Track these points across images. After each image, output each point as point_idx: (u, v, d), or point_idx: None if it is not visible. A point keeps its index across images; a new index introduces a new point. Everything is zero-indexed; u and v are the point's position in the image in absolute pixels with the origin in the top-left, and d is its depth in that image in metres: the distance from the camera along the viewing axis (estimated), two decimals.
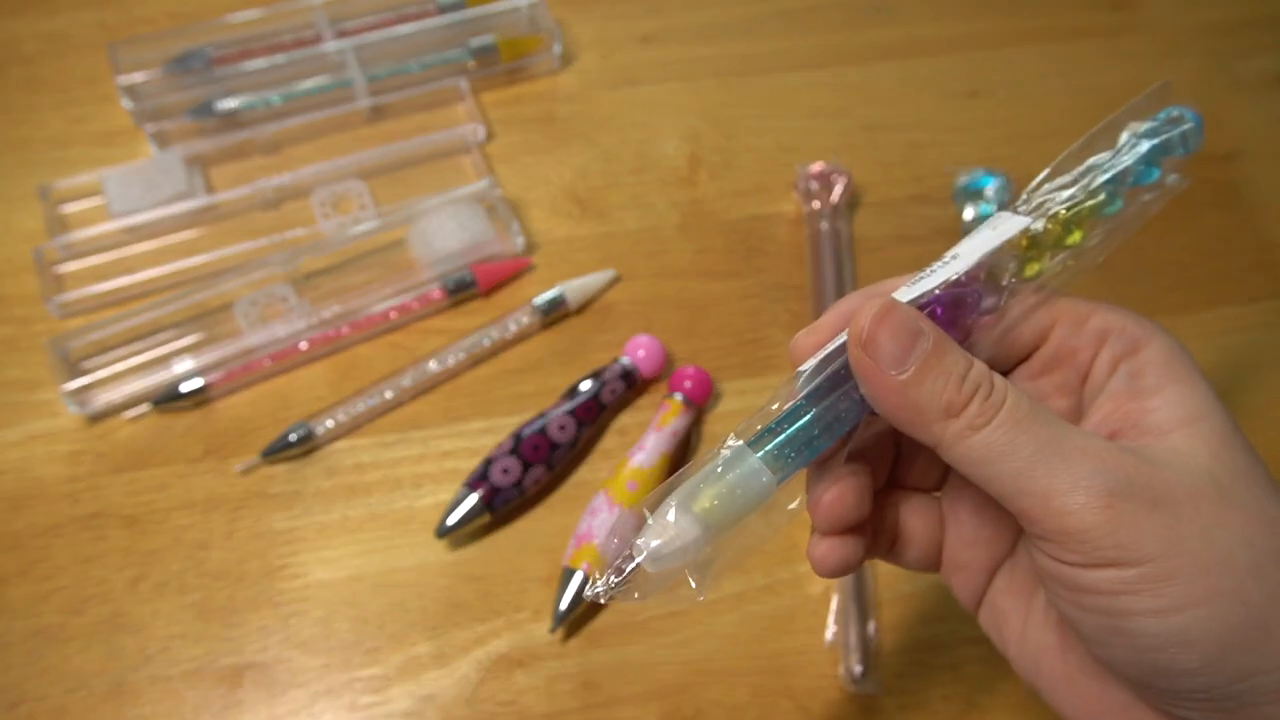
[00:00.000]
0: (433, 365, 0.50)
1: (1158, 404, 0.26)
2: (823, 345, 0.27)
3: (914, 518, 0.31)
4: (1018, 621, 0.30)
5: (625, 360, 0.49)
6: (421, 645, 0.44)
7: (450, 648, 0.44)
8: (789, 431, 0.26)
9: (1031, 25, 0.65)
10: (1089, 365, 0.28)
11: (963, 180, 0.56)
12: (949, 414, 0.25)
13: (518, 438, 0.46)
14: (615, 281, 0.54)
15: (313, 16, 0.58)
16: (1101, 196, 0.27)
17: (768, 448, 0.26)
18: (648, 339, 0.50)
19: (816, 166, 0.56)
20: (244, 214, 0.55)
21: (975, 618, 0.31)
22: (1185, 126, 0.28)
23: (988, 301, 0.27)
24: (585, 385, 0.48)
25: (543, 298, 0.51)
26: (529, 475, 0.46)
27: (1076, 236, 0.27)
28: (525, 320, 0.51)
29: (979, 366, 0.26)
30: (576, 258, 0.54)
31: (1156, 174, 0.28)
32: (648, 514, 0.25)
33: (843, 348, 0.26)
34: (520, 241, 0.53)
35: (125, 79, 0.56)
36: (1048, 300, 0.28)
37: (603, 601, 0.25)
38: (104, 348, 0.50)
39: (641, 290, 0.53)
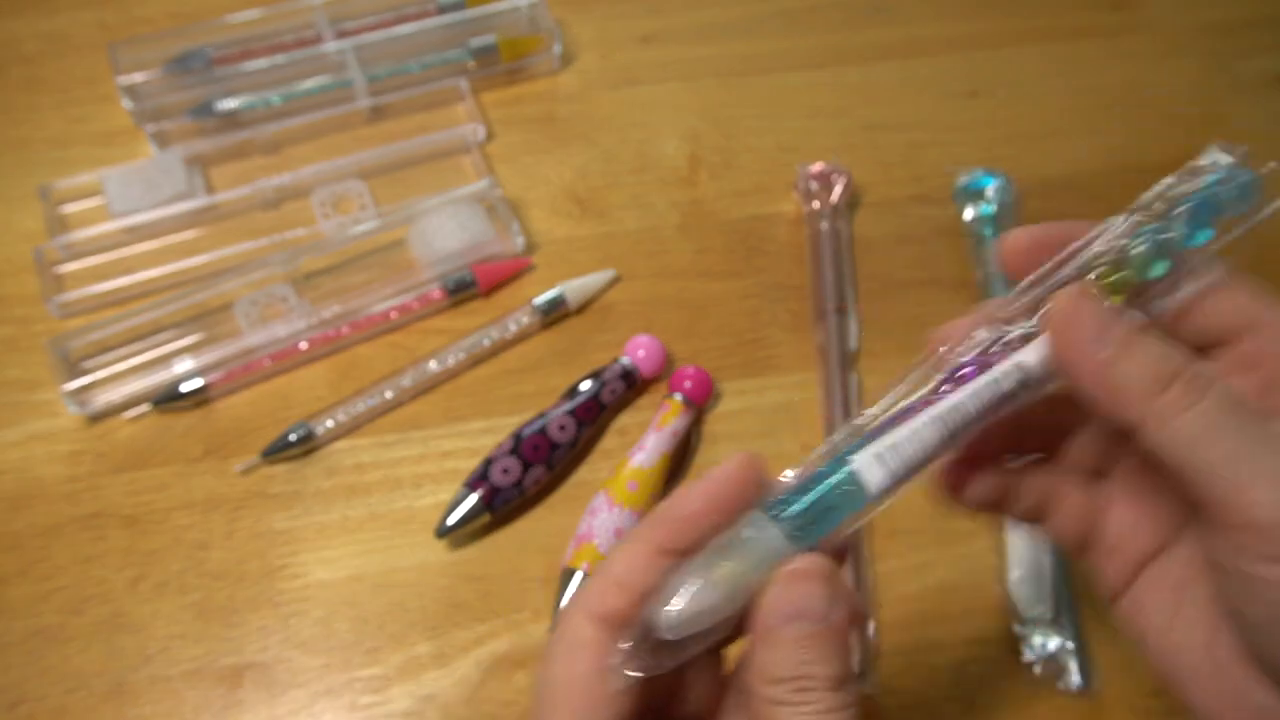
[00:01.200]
0: (433, 365, 0.50)
1: None
2: (1037, 255, 0.27)
3: (1074, 495, 0.30)
4: (1164, 615, 0.29)
5: (625, 360, 0.49)
6: (421, 645, 0.44)
7: (450, 648, 0.44)
8: (808, 501, 0.26)
9: (1031, 25, 0.65)
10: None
11: (963, 180, 0.56)
12: (1153, 393, 0.24)
13: (518, 438, 0.46)
14: (615, 281, 0.54)
15: (313, 16, 0.58)
16: (1130, 267, 0.26)
17: (788, 512, 0.25)
18: (648, 339, 0.50)
19: (816, 166, 0.56)
20: (244, 214, 0.55)
21: (1112, 605, 0.31)
22: (1238, 181, 0.27)
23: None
24: (585, 385, 0.48)
25: (543, 298, 0.51)
26: (529, 475, 0.46)
27: (1117, 300, 0.27)
28: (525, 320, 0.51)
29: (1182, 347, 0.25)
30: (576, 258, 0.54)
31: (1208, 235, 0.27)
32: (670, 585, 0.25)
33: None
34: (520, 241, 0.53)
35: (125, 79, 0.56)
36: (1233, 292, 0.27)
37: (628, 673, 0.25)
38: (104, 348, 0.50)
39: (641, 290, 0.53)
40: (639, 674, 0.24)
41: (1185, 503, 0.25)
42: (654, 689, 0.26)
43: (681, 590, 0.24)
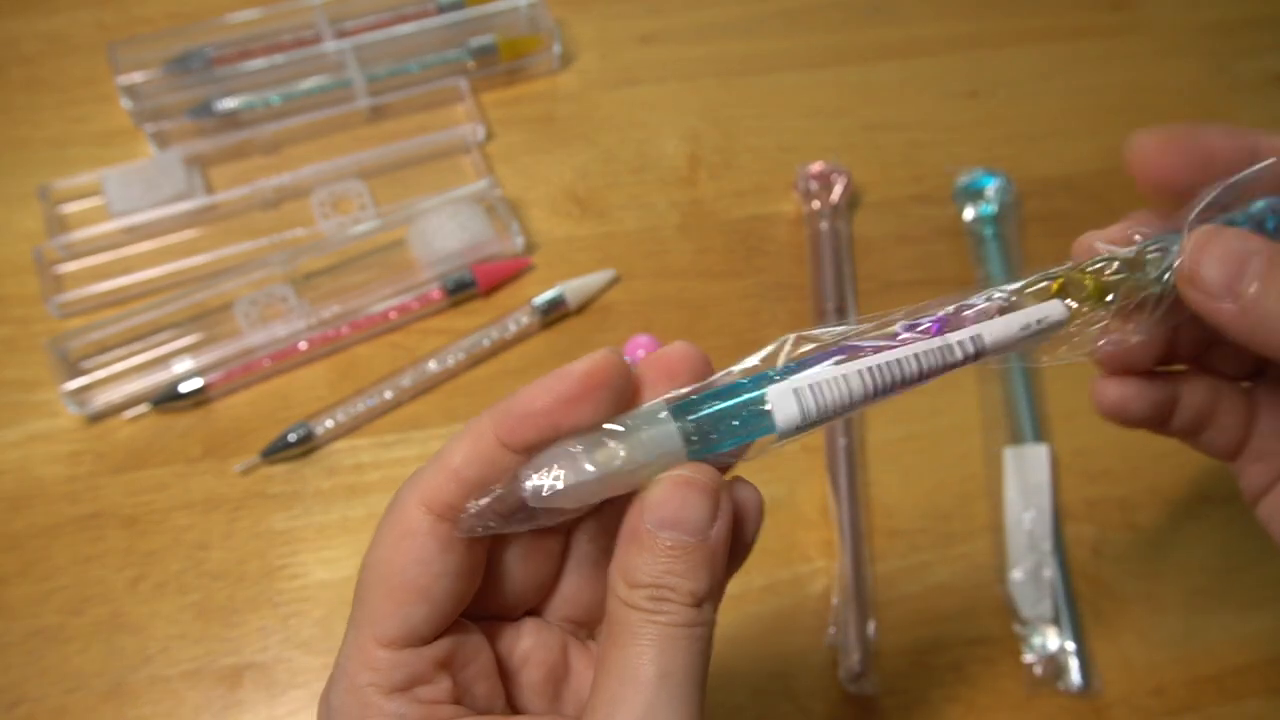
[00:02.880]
0: (432, 365, 0.50)
1: None
2: (1168, 157, 0.27)
3: (1224, 403, 0.30)
4: None
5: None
6: None
7: None
8: (720, 407, 0.24)
9: (1031, 25, 0.65)
10: None
11: (963, 180, 0.56)
12: None
13: None
14: (615, 281, 0.53)
15: (312, 16, 0.58)
16: (1144, 279, 0.26)
17: (692, 416, 0.24)
18: (648, 339, 0.50)
19: (816, 166, 0.56)
20: (244, 214, 0.54)
21: (1252, 508, 0.31)
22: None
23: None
24: None
25: (542, 298, 0.51)
26: None
27: (1107, 300, 0.26)
28: (525, 320, 0.51)
29: None
30: (576, 258, 0.54)
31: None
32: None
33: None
34: (520, 241, 0.53)
35: (125, 79, 0.56)
36: None
37: (473, 528, 0.24)
38: (103, 348, 0.50)
39: (641, 290, 0.53)
40: (484, 531, 0.24)
41: None
42: (475, 574, 0.25)
43: (559, 463, 0.23)
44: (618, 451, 0.23)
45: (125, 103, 0.55)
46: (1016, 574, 0.46)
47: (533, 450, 0.24)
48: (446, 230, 0.52)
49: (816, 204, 0.55)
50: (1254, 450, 0.31)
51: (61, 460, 0.47)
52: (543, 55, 0.60)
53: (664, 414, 0.24)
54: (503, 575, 0.26)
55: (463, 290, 0.52)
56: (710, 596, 0.23)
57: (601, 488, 0.23)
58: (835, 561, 0.46)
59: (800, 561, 0.46)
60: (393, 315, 0.51)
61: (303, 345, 0.50)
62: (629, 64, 0.61)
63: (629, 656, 0.22)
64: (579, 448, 0.23)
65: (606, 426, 0.23)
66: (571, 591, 0.28)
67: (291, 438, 0.47)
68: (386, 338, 0.51)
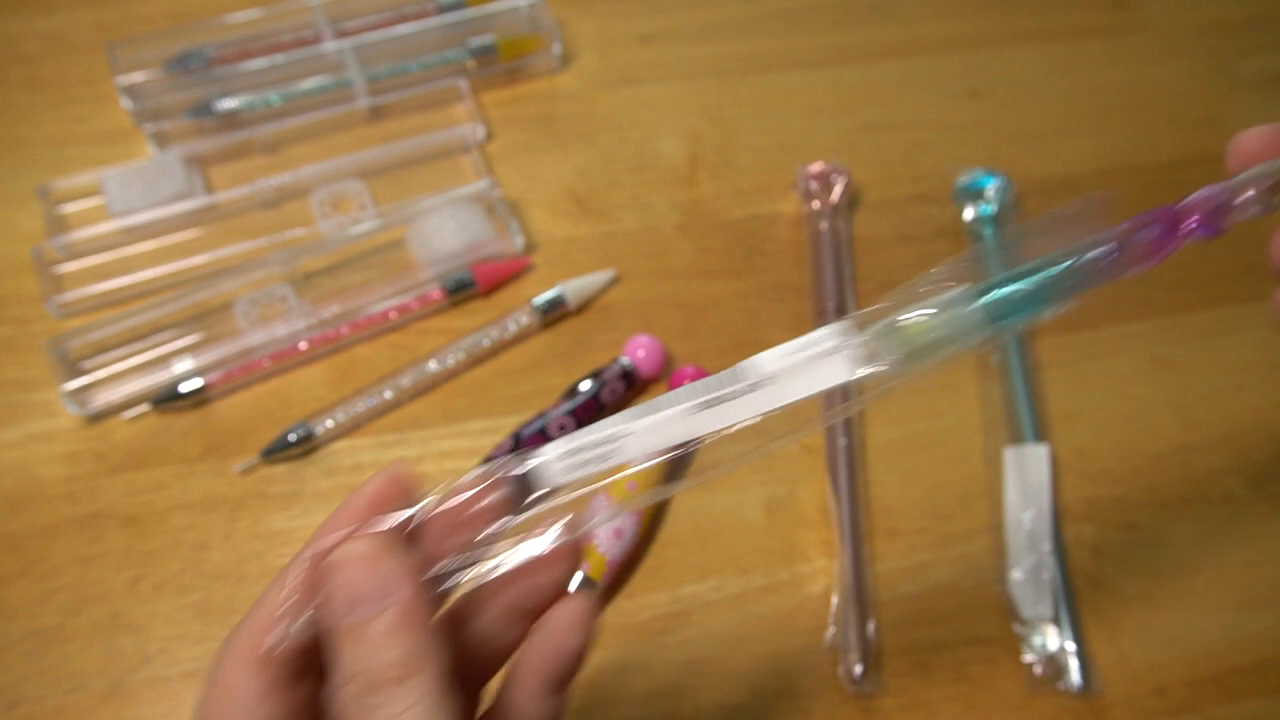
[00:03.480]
0: (433, 365, 0.50)
1: None
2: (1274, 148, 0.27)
3: None
4: None
5: (625, 360, 0.49)
6: None
7: None
8: (1014, 287, 0.25)
9: (1031, 25, 0.65)
10: None
11: (963, 180, 0.56)
12: None
13: (517, 438, 0.46)
14: (615, 281, 0.53)
15: (312, 16, 0.58)
16: None
17: (995, 295, 0.25)
18: (648, 339, 0.50)
19: (816, 166, 0.56)
20: (243, 214, 0.54)
21: None
22: None
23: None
24: (585, 385, 0.48)
25: (542, 298, 0.51)
26: None
27: None
28: (525, 320, 0.51)
29: None
30: (576, 258, 0.54)
31: None
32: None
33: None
34: (520, 241, 0.53)
35: (124, 79, 0.56)
36: None
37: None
38: (103, 348, 0.50)
39: (641, 290, 0.53)
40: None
41: None
42: (304, 714, 0.25)
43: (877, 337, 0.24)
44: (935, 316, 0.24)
45: (125, 103, 0.55)
46: (1016, 574, 0.46)
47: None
48: (446, 230, 0.52)
49: (816, 204, 0.55)
50: None
51: (61, 460, 0.47)
52: (543, 55, 0.60)
53: (971, 292, 0.25)
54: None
55: (463, 290, 0.52)
56: (424, 658, 0.23)
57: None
58: (835, 561, 0.46)
59: (800, 561, 0.46)
60: (393, 315, 0.51)
61: (303, 345, 0.50)
62: (629, 64, 0.61)
63: None
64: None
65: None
66: None
67: (291, 438, 0.47)
68: (386, 338, 0.51)
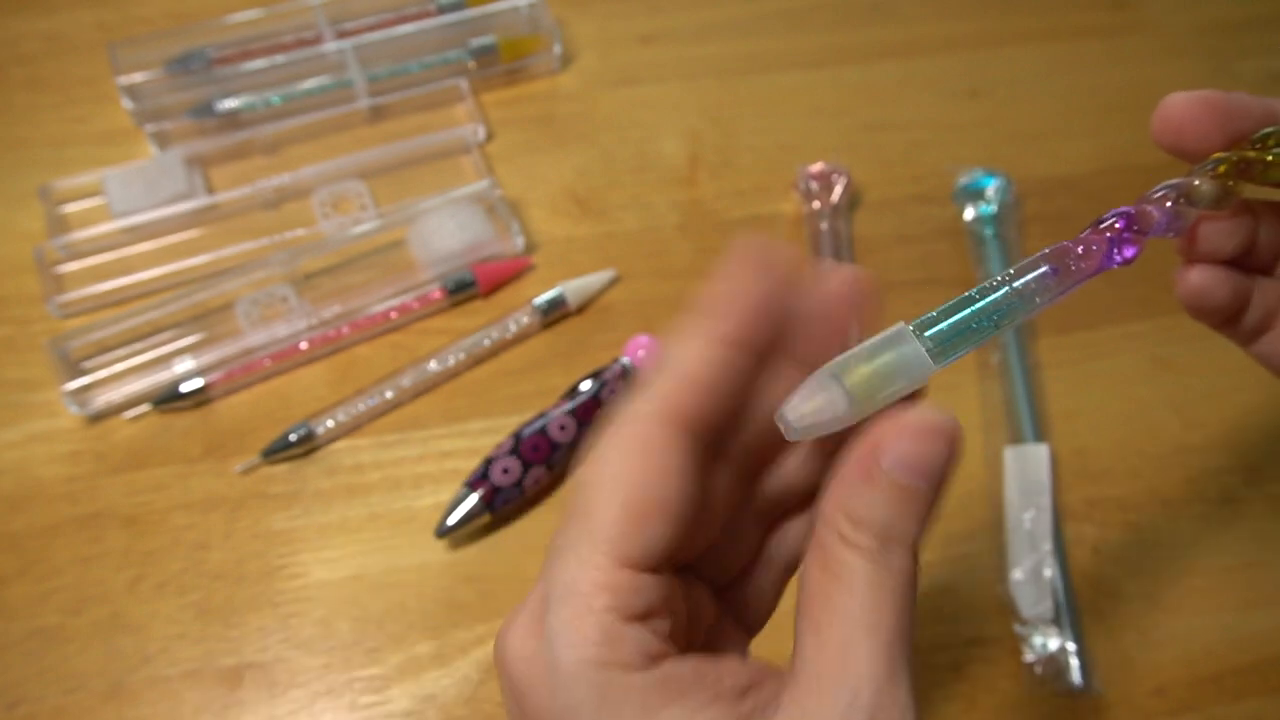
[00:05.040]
0: (433, 365, 0.50)
1: None
2: (1195, 121, 0.27)
3: None
4: None
5: (625, 360, 0.49)
6: (421, 645, 0.44)
7: (450, 648, 0.44)
8: (960, 315, 0.24)
9: (1031, 25, 0.65)
10: None
11: (963, 180, 0.56)
12: None
13: (518, 438, 0.46)
14: (615, 281, 0.54)
15: (313, 16, 0.58)
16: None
17: (937, 328, 0.24)
18: (648, 339, 0.50)
19: (816, 166, 0.56)
20: (244, 214, 0.55)
21: None
22: None
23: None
24: (585, 385, 0.48)
25: (543, 298, 0.51)
26: (529, 475, 0.46)
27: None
28: (525, 320, 0.51)
29: None
30: (576, 258, 0.54)
31: None
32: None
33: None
34: (520, 241, 0.53)
35: (125, 79, 0.56)
36: None
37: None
38: (104, 348, 0.50)
39: (641, 290, 0.53)
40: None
41: None
42: (699, 510, 0.23)
43: (814, 393, 0.22)
44: (871, 376, 0.22)
45: (126, 103, 0.55)
46: (1016, 574, 0.46)
47: (768, 348, 0.23)
48: (447, 230, 0.52)
49: (816, 204, 0.55)
50: None
51: (61, 460, 0.47)
52: (543, 55, 0.60)
53: (908, 333, 0.23)
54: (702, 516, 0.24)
55: (463, 290, 0.52)
56: (921, 547, 0.22)
57: (853, 415, 0.22)
58: None
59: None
60: (393, 315, 0.51)
61: (303, 345, 0.50)
62: (629, 64, 0.61)
63: (864, 604, 0.21)
64: (829, 375, 0.22)
65: (855, 350, 0.23)
66: (728, 545, 0.26)
67: (292, 438, 0.47)
68: (387, 338, 0.51)
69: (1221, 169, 0.27)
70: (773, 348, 0.23)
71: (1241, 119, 0.27)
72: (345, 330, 0.50)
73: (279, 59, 0.57)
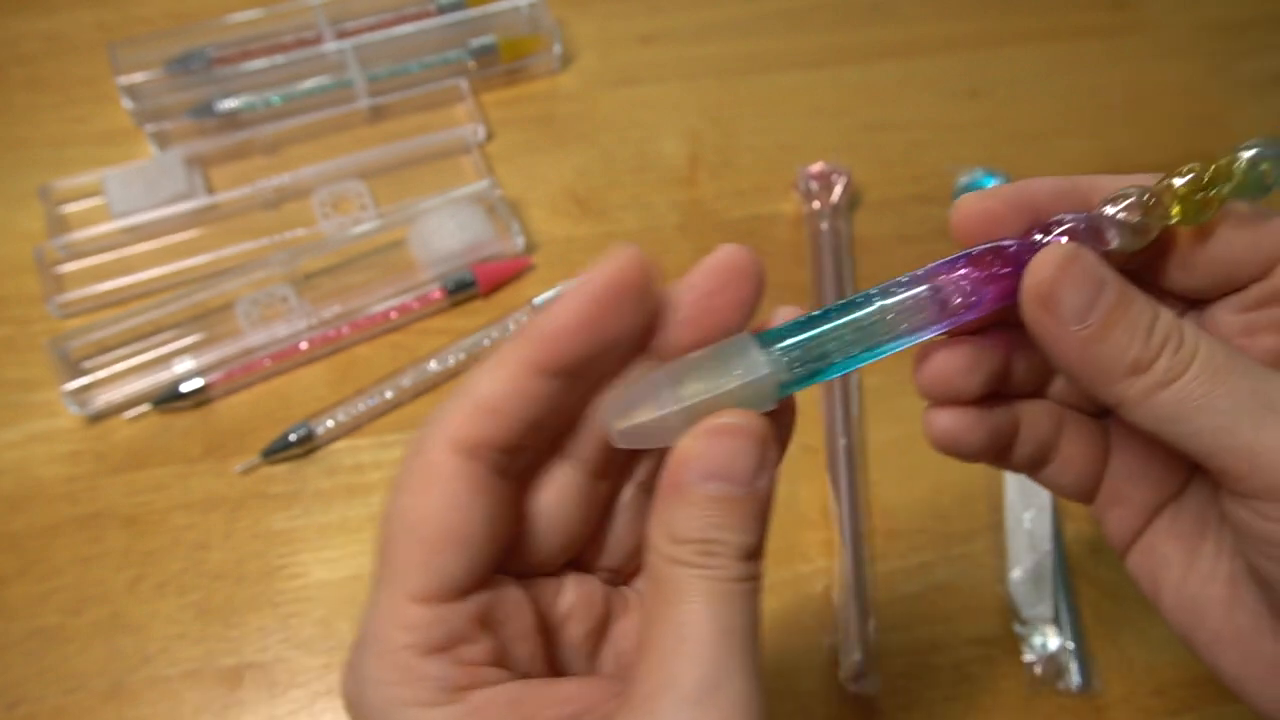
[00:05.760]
0: (433, 365, 0.50)
1: None
2: (998, 222, 0.24)
3: (1076, 441, 0.28)
4: (1178, 570, 0.27)
5: None
6: None
7: None
8: (811, 335, 0.23)
9: (1031, 25, 0.65)
10: None
11: (963, 180, 0.56)
12: (1135, 370, 0.22)
13: None
14: None
15: (313, 16, 0.58)
16: (1239, 181, 0.24)
17: (784, 345, 0.23)
18: None
19: (816, 166, 0.56)
20: (244, 214, 0.55)
21: (1122, 559, 0.29)
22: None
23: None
24: None
25: (543, 298, 0.51)
26: None
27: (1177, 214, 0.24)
28: (525, 320, 0.51)
29: (1166, 316, 0.23)
30: (576, 258, 0.54)
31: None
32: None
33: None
34: (520, 241, 0.53)
35: (125, 79, 0.56)
36: (1273, 224, 0.25)
37: None
38: (104, 348, 0.50)
39: None
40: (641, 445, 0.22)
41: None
42: (509, 521, 0.23)
43: (644, 401, 0.22)
44: (703, 389, 0.22)
45: (126, 103, 0.55)
46: (1016, 574, 0.46)
47: (570, 373, 0.22)
48: (447, 230, 0.52)
49: (816, 204, 0.55)
50: (1110, 493, 0.28)
51: (61, 460, 0.47)
52: (543, 55, 0.60)
53: (751, 346, 0.22)
54: (543, 524, 0.24)
55: (463, 290, 0.52)
56: (760, 550, 0.22)
57: (685, 428, 0.22)
58: (835, 561, 0.46)
59: (800, 561, 0.46)
60: (393, 315, 0.51)
61: (303, 345, 0.50)
62: (629, 64, 0.61)
63: (684, 614, 0.21)
64: (662, 385, 0.22)
65: (691, 358, 0.22)
66: (618, 540, 0.26)
67: (292, 438, 0.47)
68: (387, 338, 0.51)
69: (1151, 200, 0.24)
70: (606, 360, 0.23)
71: (1033, 210, 0.25)
72: (345, 330, 0.50)
73: (279, 59, 0.57)
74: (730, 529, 0.21)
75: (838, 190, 0.55)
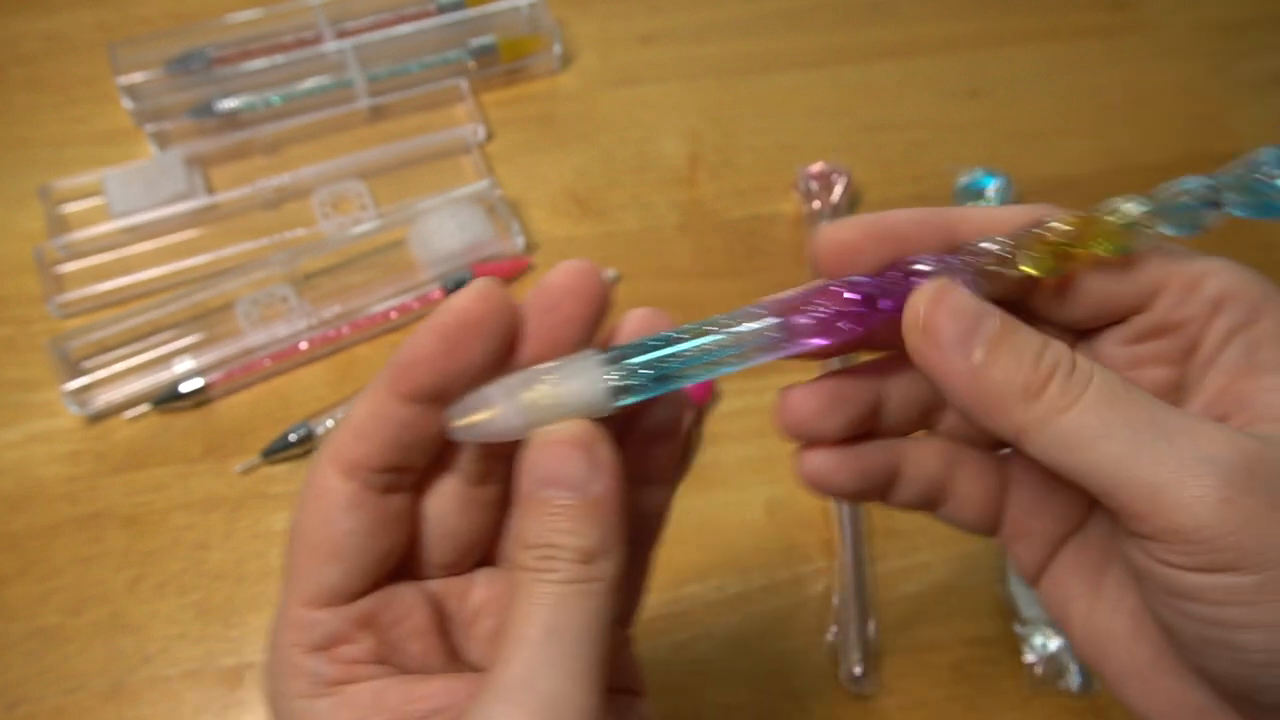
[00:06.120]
0: None
1: (1273, 383, 0.22)
2: (856, 253, 0.25)
3: (971, 478, 0.27)
4: (1084, 602, 0.26)
5: None
6: None
7: None
8: (656, 354, 0.24)
9: (1031, 25, 0.65)
10: (1199, 336, 0.24)
11: (963, 180, 0.56)
12: (1027, 397, 0.22)
13: None
14: (615, 281, 0.54)
15: (313, 16, 0.58)
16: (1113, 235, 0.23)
17: (627, 361, 0.24)
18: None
19: (816, 166, 0.56)
20: (244, 214, 0.55)
21: (1035, 589, 0.28)
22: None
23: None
24: None
25: None
26: None
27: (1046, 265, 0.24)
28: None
29: (1056, 344, 0.22)
30: (576, 257, 0.54)
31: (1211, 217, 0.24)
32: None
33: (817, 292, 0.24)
34: (520, 241, 0.53)
35: (125, 79, 0.56)
36: (1149, 257, 0.24)
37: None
38: (104, 348, 0.50)
39: (641, 290, 0.53)
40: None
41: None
42: (393, 531, 0.25)
43: (484, 401, 0.23)
44: (539, 398, 0.23)
45: (125, 103, 0.55)
46: (1016, 574, 0.46)
47: (430, 398, 0.23)
48: (446, 230, 0.52)
49: (816, 204, 0.55)
50: (1012, 527, 0.27)
51: (61, 460, 0.47)
52: (543, 55, 0.60)
53: (593, 360, 0.24)
54: (435, 531, 0.26)
55: None
56: (603, 551, 0.22)
57: (522, 433, 0.23)
58: (835, 561, 0.46)
59: (800, 561, 0.46)
60: (393, 315, 0.51)
61: (303, 345, 0.50)
62: (629, 64, 0.61)
63: (517, 616, 0.22)
64: (504, 388, 0.23)
65: (539, 368, 0.23)
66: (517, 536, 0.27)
67: (292, 438, 0.47)
68: (387, 338, 0.51)
69: (1047, 240, 0.24)
70: (467, 381, 0.24)
71: (895, 240, 0.25)
72: (345, 330, 0.50)
73: (279, 59, 0.57)
74: (567, 533, 0.22)
75: (838, 190, 0.55)
